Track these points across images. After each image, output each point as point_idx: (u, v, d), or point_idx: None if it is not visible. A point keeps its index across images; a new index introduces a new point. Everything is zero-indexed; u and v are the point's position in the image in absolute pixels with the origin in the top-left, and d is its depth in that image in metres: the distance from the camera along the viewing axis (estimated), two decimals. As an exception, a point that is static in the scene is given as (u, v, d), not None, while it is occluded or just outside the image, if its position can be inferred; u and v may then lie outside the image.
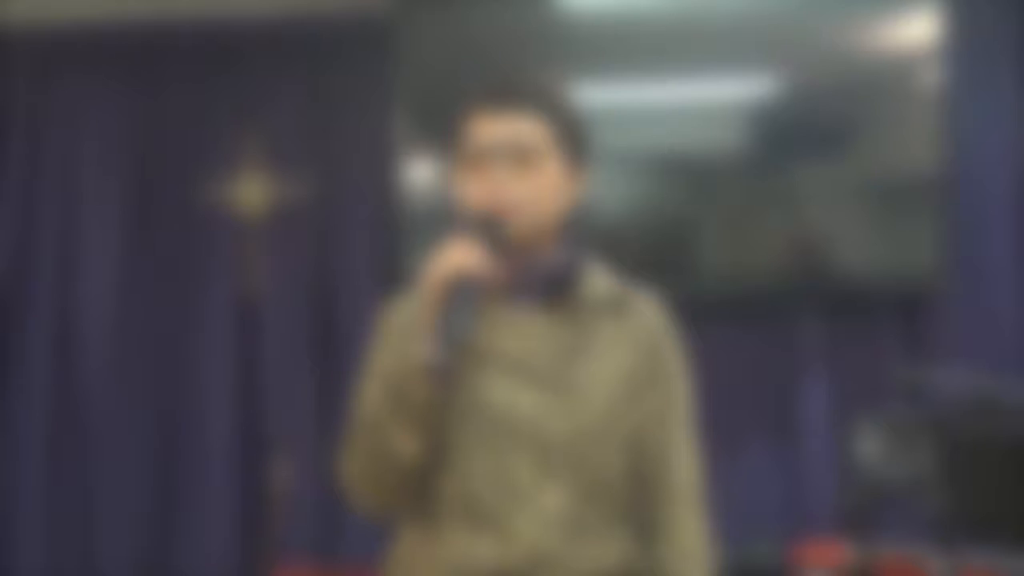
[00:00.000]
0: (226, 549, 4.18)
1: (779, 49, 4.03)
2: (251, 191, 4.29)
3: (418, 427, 1.64)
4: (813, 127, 4.03)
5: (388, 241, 4.14)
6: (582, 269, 1.77)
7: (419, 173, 4.08)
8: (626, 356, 1.74)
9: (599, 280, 1.78)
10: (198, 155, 4.30)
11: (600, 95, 3.94)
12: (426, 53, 4.05)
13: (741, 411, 4.00)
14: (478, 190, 1.71)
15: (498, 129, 1.71)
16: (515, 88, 1.75)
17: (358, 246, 4.27)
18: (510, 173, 1.70)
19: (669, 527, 1.75)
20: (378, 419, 1.67)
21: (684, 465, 1.78)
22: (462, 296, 1.61)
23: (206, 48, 4.29)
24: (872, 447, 3.50)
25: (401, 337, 1.71)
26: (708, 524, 1.80)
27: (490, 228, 1.67)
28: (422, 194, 4.05)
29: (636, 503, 1.75)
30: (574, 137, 1.76)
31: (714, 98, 4.08)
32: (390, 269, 4.08)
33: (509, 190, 1.69)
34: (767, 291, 4.05)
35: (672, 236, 4.12)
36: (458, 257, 1.62)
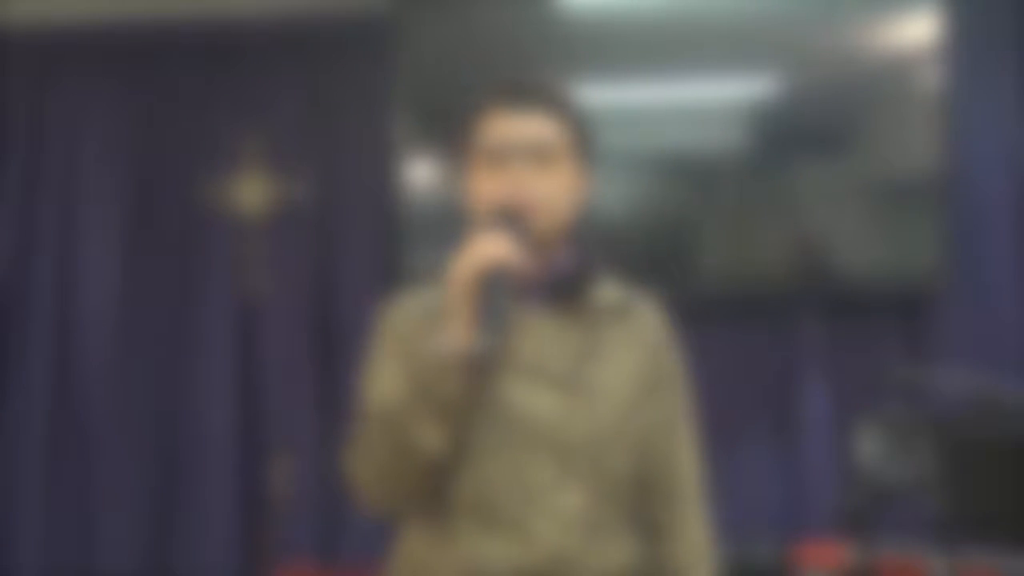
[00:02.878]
0: (226, 550, 4.18)
1: (779, 49, 4.03)
2: (251, 191, 4.29)
3: (445, 422, 1.63)
4: (813, 127, 4.03)
5: (388, 241, 4.14)
6: (594, 272, 1.77)
7: (419, 173, 4.07)
8: (634, 359, 1.75)
9: (605, 284, 1.79)
10: (198, 155, 4.29)
11: (600, 95, 3.94)
12: (426, 53, 4.05)
13: (741, 411, 4.00)
14: (496, 187, 1.70)
15: (517, 127, 1.71)
16: (532, 87, 1.75)
17: (358, 246, 4.27)
18: (529, 171, 1.70)
19: (674, 527, 1.77)
20: (401, 415, 1.65)
21: (687, 466, 1.80)
22: (498, 286, 1.60)
23: (206, 48, 4.29)
24: (872, 447, 3.50)
25: (413, 330, 1.70)
26: (711, 524, 1.81)
27: (511, 224, 1.66)
28: (422, 194, 4.05)
29: (642, 504, 1.76)
30: (585, 138, 1.78)
31: (714, 98, 4.07)
32: (390, 269, 4.08)
33: (530, 187, 1.69)
34: (767, 291, 4.05)
35: (672, 236, 4.12)
36: (491, 248, 1.61)
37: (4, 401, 4.29)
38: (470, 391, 1.62)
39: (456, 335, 1.59)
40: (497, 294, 1.59)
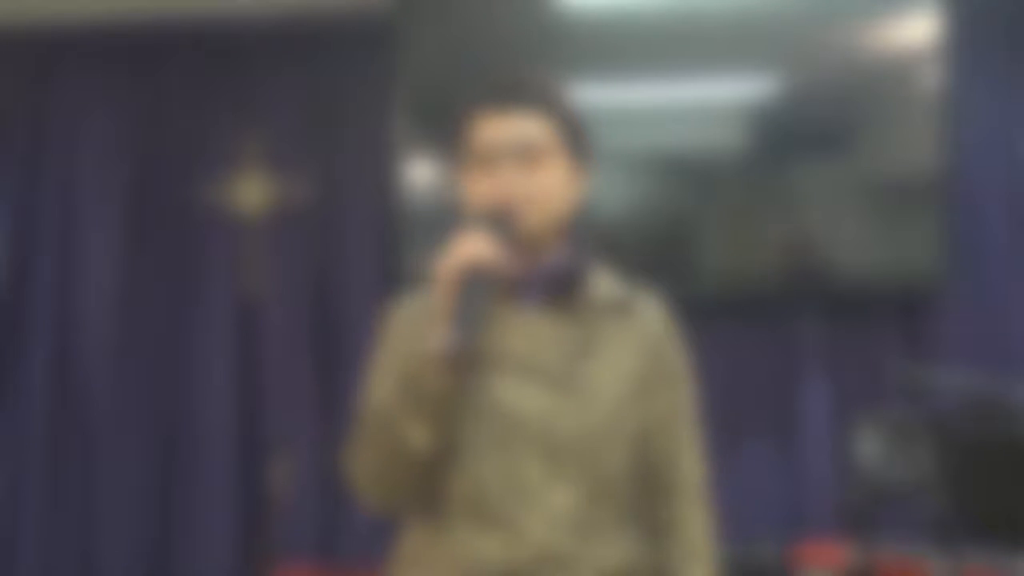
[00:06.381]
0: (226, 549, 4.18)
1: (779, 49, 4.03)
2: (251, 191, 4.29)
3: (431, 419, 1.65)
4: (813, 127, 4.03)
5: (388, 241, 4.14)
6: (587, 269, 1.78)
7: (419, 173, 4.08)
8: (631, 357, 1.75)
9: (603, 281, 1.79)
10: (198, 155, 4.30)
11: (600, 95, 3.94)
12: (426, 53, 4.05)
13: (741, 411, 4.00)
14: (486, 189, 1.72)
15: (504, 129, 1.72)
16: (519, 87, 1.76)
17: (358, 246, 4.27)
18: (518, 172, 1.71)
19: (674, 524, 1.77)
20: (391, 413, 1.67)
21: (690, 463, 1.80)
22: (476, 285, 1.62)
23: (206, 48, 4.29)
24: (872, 447, 3.50)
25: (412, 331, 1.71)
26: (712, 522, 1.81)
27: (499, 224, 1.68)
28: (422, 194, 4.05)
29: (641, 502, 1.76)
30: (577, 136, 1.78)
31: (714, 98, 4.08)
32: (390, 269, 4.08)
33: (517, 188, 1.71)
34: (767, 291, 4.05)
35: (672, 236, 4.12)
36: (472, 247, 1.63)
37: (4, 401, 4.29)
38: (449, 388, 1.63)
39: (437, 333, 1.60)
40: (474, 293, 1.62)
